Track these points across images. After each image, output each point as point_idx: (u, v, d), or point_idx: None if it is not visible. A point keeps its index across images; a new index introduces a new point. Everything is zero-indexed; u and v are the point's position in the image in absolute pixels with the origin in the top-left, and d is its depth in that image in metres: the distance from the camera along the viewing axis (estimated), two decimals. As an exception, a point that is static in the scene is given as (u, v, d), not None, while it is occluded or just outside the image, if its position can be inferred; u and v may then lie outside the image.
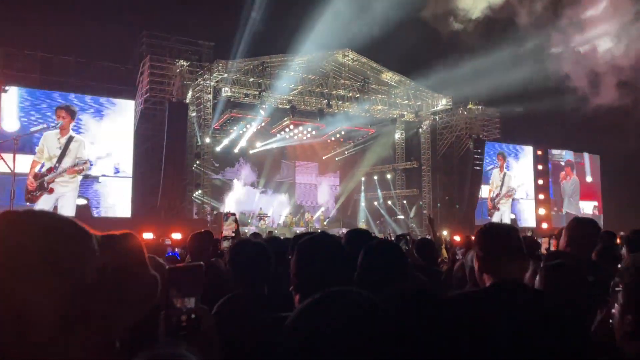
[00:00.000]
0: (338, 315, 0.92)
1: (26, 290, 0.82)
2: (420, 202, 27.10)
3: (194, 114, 21.54)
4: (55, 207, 18.79)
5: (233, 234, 8.14)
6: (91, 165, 19.76)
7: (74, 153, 19.41)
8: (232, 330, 2.18)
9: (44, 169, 18.85)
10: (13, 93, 18.80)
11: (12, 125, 18.70)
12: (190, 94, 21.25)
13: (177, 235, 12.18)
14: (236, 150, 25.69)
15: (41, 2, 21.91)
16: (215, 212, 20.95)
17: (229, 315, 2.33)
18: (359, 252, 2.28)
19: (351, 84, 24.25)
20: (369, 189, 29.33)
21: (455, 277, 4.13)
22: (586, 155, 32.94)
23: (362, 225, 26.88)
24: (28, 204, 18.44)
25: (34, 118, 19.06)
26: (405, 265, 2.32)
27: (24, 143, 18.63)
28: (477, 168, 25.89)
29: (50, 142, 19.06)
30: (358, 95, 24.26)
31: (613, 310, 1.92)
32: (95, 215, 19.79)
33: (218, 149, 24.58)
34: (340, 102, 24.22)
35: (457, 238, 10.23)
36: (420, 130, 27.28)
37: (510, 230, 2.18)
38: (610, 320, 1.92)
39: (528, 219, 29.71)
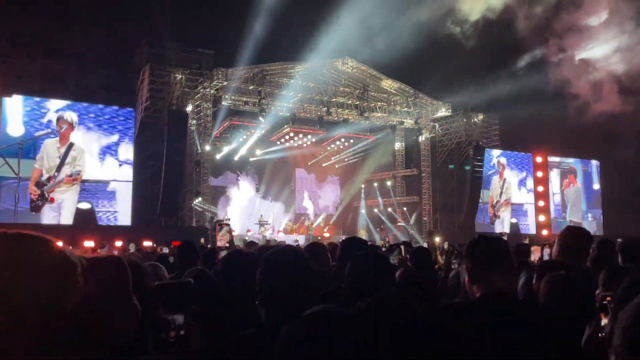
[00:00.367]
0: (322, 340, 0.95)
1: (1, 318, 0.81)
2: (419, 208, 27.09)
3: (194, 122, 21.59)
4: (60, 214, 19.06)
5: (227, 244, 8.14)
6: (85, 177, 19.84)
7: (73, 162, 19.48)
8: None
9: (43, 178, 18.92)
10: (17, 98, 18.94)
11: (16, 130, 18.79)
12: (190, 102, 21.31)
13: (177, 244, 12.15)
14: (236, 158, 25.74)
15: (41, 10, 22.00)
16: (215, 220, 20.94)
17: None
18: None
19: (350, 91, 24.30)
20: (369, 196, 29.33)
21: (451, 285, 4.12)
22: (593, 162, 32.88)
23: (362, 232, 26.87)
24: (33, 213, 18.53)
25: (37, 124, 19.16)
26: (390, 276, 2.31)
27: (28, 148, 18.75)
28: (477, 175, 25.88)
29: (50, 150, 19.15)
30: (357, 102, 24.30)
31: (603, 322, 1.91)
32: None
33: (218, 156, 24.62)
34: (340, 110, 24.25)
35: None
36: (420, 137, 27.29)
37: (499, 242, 2.18)
38: (600, 334, 1.90)
39: (529, 226, 29.69)
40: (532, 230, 29.19)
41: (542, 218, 30.03)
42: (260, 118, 22.54)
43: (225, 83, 21.33)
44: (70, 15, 22.89)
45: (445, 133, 27.18)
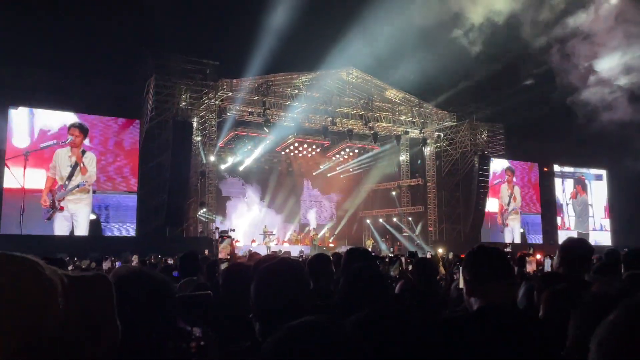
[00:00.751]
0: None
1: None
2: (424, 219, 26.99)
3: (199, 133, 21.66)
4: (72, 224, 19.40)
5: (228, 257, 8.14)
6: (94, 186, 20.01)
7: (83, 171, 19.66)
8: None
9: (56, 187, 19.19)
10: (23, 110, 19.19)
11: (22, 141, 18.97)
12: (195, 113, 21.40)
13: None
14: (241, 169, 25.80)
15: (46, 21, 22.22)
16: (219, 230, 20.94)
17: None
18: None
19: (355, 101, 24.33)
20: (374, 206, 29.27)
21: (452, 296, 4.09)
22: (602, 172, 32.65)
23: (369, 242, 26.81)
24: (47, 221, 18.78)
25: (43, 135, 19.33)
26: (383, 290, 2.28)
27: (34, 159, 18.93)
28: (483, 185, 25.77)
29: (61, 160, 19.45)
30: (362, 112, 24.33)
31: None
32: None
33: (223, 167, 24.68)
34: (345, 120, 24.28)
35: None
36: (425, 147, 27.25)
37: (498, 253, 2.15)
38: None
39: (537, 236, 29.50)
40: (540, 240, 29.00)
41: (548, 228, 29.83)
42: (265, 128, 22.61)
43: (230, 94, 21.44)
44: (75, 27, 23.11)
45: (450, 143, 27.12)
